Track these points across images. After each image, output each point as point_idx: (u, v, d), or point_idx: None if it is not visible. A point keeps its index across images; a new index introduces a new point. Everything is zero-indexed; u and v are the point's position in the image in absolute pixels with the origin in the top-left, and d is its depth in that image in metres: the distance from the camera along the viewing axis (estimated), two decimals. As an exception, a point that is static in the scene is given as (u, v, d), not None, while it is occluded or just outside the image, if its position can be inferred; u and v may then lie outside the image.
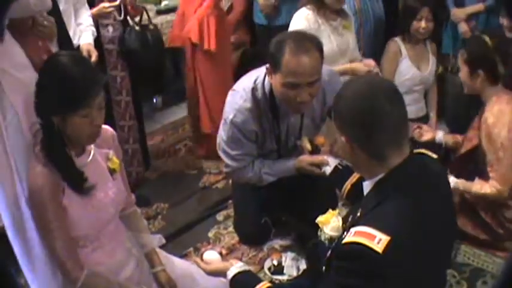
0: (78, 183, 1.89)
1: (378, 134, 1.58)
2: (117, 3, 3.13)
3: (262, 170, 2.67)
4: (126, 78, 3.32)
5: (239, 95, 2.55)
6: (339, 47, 3.21)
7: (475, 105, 3.10)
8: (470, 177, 2.78)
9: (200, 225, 3.23)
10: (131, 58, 3.28)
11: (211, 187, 3.63)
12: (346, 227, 1.76)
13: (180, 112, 4.60)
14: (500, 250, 2.79)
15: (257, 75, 2.57)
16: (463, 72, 2.79)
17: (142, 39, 3.24)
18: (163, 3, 5.01)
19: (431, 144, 3.00)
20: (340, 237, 1.72)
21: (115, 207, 2.04)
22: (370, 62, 3.23)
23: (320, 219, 1.96)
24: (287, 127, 2.65)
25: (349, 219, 1.79)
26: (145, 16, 3.41)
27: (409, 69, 3.52)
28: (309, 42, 2.37)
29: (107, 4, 3.11)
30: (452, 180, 2.70)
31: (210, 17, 3.60)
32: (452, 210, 1.83)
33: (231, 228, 3.13)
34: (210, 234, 3.12)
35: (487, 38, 2.73)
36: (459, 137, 3.07)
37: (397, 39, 3.55)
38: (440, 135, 3.08)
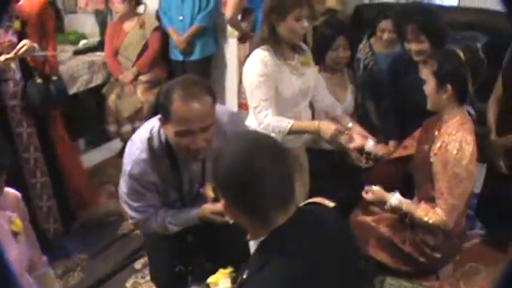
0: None
1: (258, 201, 1.53)
2: (10, 55, 2.99)
3: (166, 219, 2.61)
4: (34, 134, 3.23)
5: (136, 146, 2.49)
6: (300, 88, 3.00)
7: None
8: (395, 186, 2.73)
9: (119, 274, 3.19)
10: (35, 113, 3.21)
11: (131, 234, 3.57)
12: (234, 288, 1.74)
13: (103, 154, 4.52)
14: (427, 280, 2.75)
15: (153, 124, 2.51)
16: (429, 86, 2.62)
17: (45, 92, 3.17)
18: (81, 43, 4.97)
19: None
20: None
21: (17, 269, 1.97)
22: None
23: (210, 279, 1.93)
24: (190, 175, 2.61)
25: (238, 279, 1.75)
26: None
27: None
28: (197, 87, 2.30)
29: (1, 58, 2.99)
30: (397, 197, 2.62)
31: None
32: (354, 258, 1.76)
33: (148, 277, 3.04)
34: (128, 285, 3.09)
35: (460, 52, 2.58)
36: (391, 148, 3.05)
37: None
38: (371, 145, 2.90)
